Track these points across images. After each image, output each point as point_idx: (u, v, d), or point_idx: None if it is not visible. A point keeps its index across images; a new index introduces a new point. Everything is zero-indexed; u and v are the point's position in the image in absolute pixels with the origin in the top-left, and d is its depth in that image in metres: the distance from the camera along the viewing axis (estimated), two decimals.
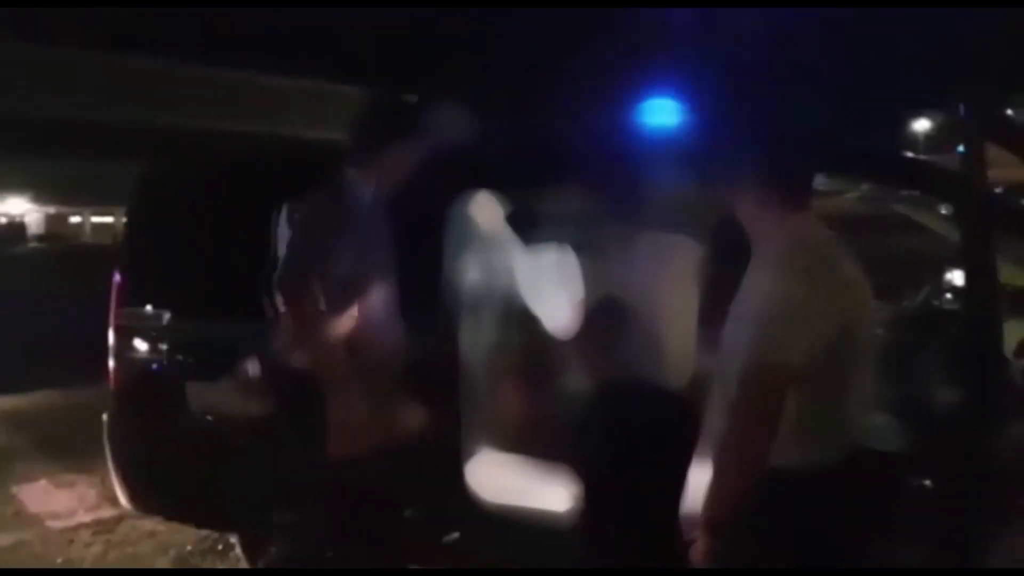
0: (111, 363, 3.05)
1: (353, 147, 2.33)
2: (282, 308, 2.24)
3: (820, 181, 2.82)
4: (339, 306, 2.22)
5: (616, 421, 2.19)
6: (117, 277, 3.12)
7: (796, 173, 1.70)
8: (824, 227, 1.69)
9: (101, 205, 23.87)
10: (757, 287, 1.58)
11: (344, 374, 2.19)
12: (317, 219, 2.25)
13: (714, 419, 1.66)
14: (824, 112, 2.37)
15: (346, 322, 2.21)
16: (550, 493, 2.51)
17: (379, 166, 2.29)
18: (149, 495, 2.96)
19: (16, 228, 22.07)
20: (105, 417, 3.01)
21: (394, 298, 2.30)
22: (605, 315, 2.26)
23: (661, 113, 2.95)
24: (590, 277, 2.31)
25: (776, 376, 1.48)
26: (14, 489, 4.12)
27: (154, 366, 3.02)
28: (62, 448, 4.63)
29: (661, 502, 2.04)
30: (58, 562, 3.28)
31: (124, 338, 3.04)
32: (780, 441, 1.49)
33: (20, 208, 23.85)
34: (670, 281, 2.22)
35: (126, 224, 3.52)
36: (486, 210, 2.59)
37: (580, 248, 2.37)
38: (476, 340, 2.58)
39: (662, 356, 2.17)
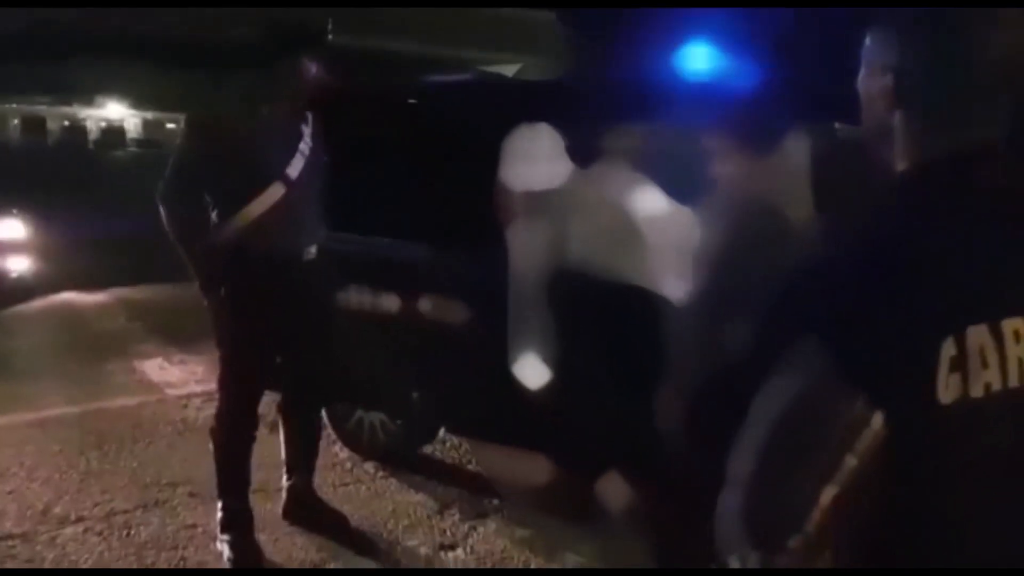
0: None
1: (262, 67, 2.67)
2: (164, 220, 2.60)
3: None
4: (227, 213, 2.58)
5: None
6: None
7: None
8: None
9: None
10: None
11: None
12: (201, 129, 2.61)
13: None
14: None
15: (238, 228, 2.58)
16: None
17: (274, 85, 2.63)
18: None
19: (116, 132, 23.38)
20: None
21: (296, 204, 2.63)
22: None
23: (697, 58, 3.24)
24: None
25: None
26: (135, 363, 4.87)
27: None
28: (171, 333, 5.38)
29: None
30: (176, 420, 3.97)
31: None
32: None
33: (120, 113, 25.14)
34: None
35: None
36: (547, 141, 2.97)
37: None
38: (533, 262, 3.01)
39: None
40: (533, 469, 3.27)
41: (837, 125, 2.89)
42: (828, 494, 0.71)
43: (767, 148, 2.18)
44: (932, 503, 0.75)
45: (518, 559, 2.84)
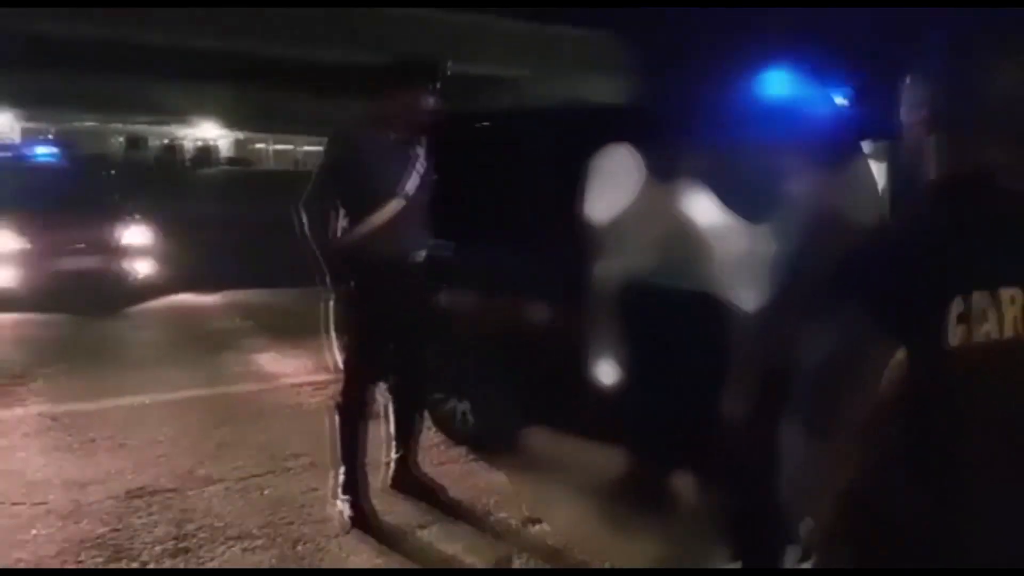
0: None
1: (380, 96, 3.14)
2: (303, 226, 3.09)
3: None
4: (355, 221, 3.05)
5: None
6: None
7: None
8: None
9: (283, 134, 26.24)
10: None
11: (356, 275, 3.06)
12: (338, 151, 3.10)
13: None
14: None
15: (363, 234, 3.04)
16: None
17: (394, 112, 3.10)
18: None
19: (209, 151, 24.86)
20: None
21: (410, 216, 3.10)
22: None
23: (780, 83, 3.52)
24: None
25: None
26: (251, 356, 5.46)
27: None
28: (279, 331, 5.97)
29: None
30: (292, 404, 4.49)
31: None
32: None
33: (213, 133, 26.68)
34: None
35: None
36: (627, 160, 3.34)
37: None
38: (610, 270, 3.36)
39: None
40: (606, 462, 3.59)
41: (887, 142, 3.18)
42: (865, 405, 1.05)
43: (835, 165, 2.51)
44: (943, 432, 1.04)
45: (596, 538, 3.16)
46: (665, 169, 3.23)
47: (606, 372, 3.41)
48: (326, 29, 18.50)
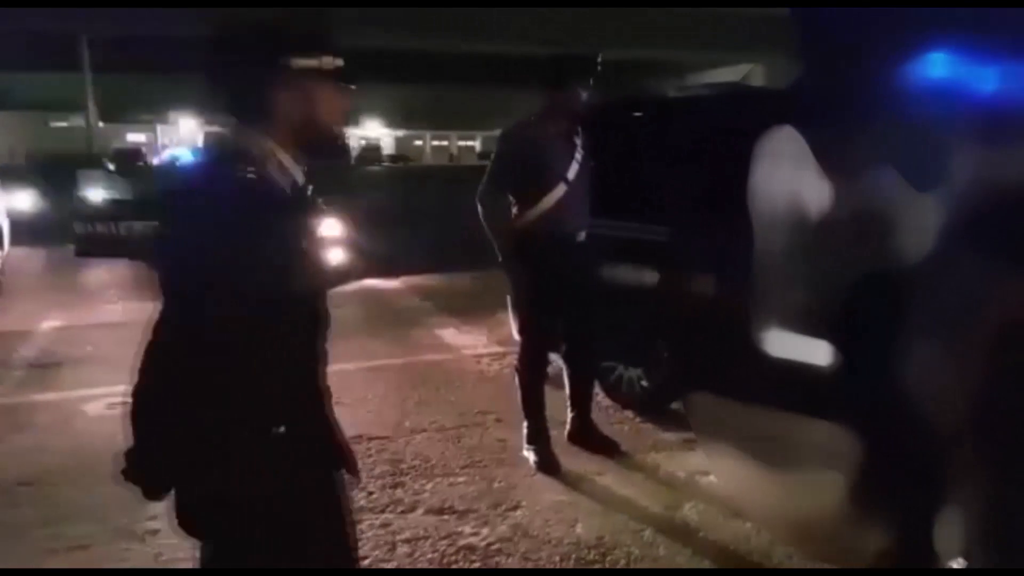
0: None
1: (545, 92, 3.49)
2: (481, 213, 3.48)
3: None
4: (525, 207, 3.44)
5: None
6: None
7: None
8: None
9: (439, 130, 27.56)
10: None
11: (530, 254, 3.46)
12: (508, 146, 3.46)
13: None
14: None
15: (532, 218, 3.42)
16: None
17: (553, 107, 3.43)
18: None
19: (373, 148, 26.53)
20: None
21: (573, 199, 3.46)
22: None
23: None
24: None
25: None
26: (434, 331, 6.11)
27: None
28: (456, 310, 6.60)
29: None
30: (474, 371, 5.03)
31: None
32: None
33: (376, 132, 28.49)
34: None
35: None
36: (792, 145, 3.55)
37: None
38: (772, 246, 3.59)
39: None
40: (770, 426, 3.81)
41: None
42: (996, 331, 1.35)
43: (998, 139, 2.65)
44: None
45: (761, 492, 3.43)
46: (828, 148, 3.41)
47: (776, 343, 3.62)
48: (479, 23, 19.23)
